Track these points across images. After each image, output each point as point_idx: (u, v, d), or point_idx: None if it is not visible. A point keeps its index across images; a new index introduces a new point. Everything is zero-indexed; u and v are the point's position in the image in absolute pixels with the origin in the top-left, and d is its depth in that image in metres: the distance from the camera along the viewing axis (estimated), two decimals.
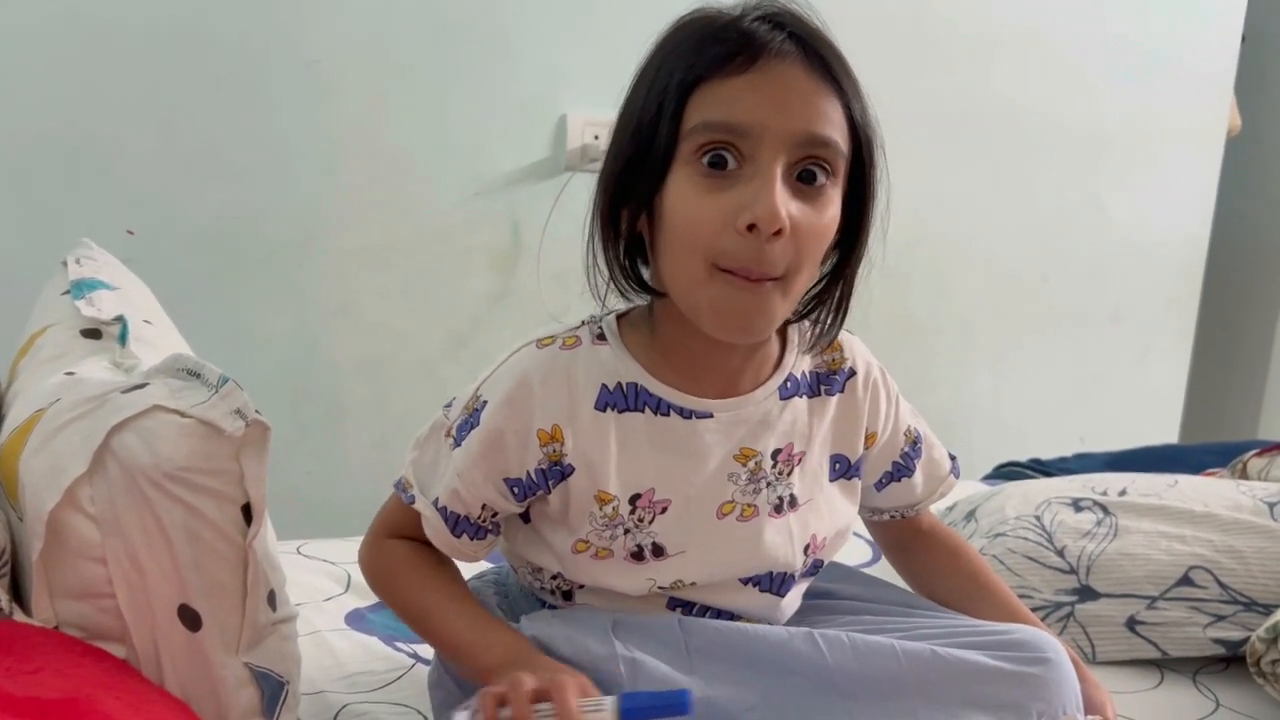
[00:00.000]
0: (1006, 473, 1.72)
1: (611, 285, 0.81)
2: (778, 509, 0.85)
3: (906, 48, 2.10)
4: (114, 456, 0.75)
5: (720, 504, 0.83)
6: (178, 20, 1.60)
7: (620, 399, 0.81)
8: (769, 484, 0.84)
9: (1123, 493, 1.27)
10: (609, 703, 0.71)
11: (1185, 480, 1.31)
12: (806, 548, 0.87)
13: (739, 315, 0.75)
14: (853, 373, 0.88)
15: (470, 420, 0.82)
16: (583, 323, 0.85)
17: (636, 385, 0.82)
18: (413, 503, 0.86)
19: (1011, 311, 2.35)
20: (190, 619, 0.77)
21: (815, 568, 0.91)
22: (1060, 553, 1.19)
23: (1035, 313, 2.38)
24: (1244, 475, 1.45)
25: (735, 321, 0.75)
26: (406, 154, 1.77)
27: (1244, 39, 2.47)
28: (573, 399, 0.81)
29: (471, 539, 0.85)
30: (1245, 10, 2.42)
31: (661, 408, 0.82)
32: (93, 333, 0.97)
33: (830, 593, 0.95)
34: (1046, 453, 1.88)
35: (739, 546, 0.84)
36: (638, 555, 0.83)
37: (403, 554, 0.88)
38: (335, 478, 1.80)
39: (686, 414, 0.82)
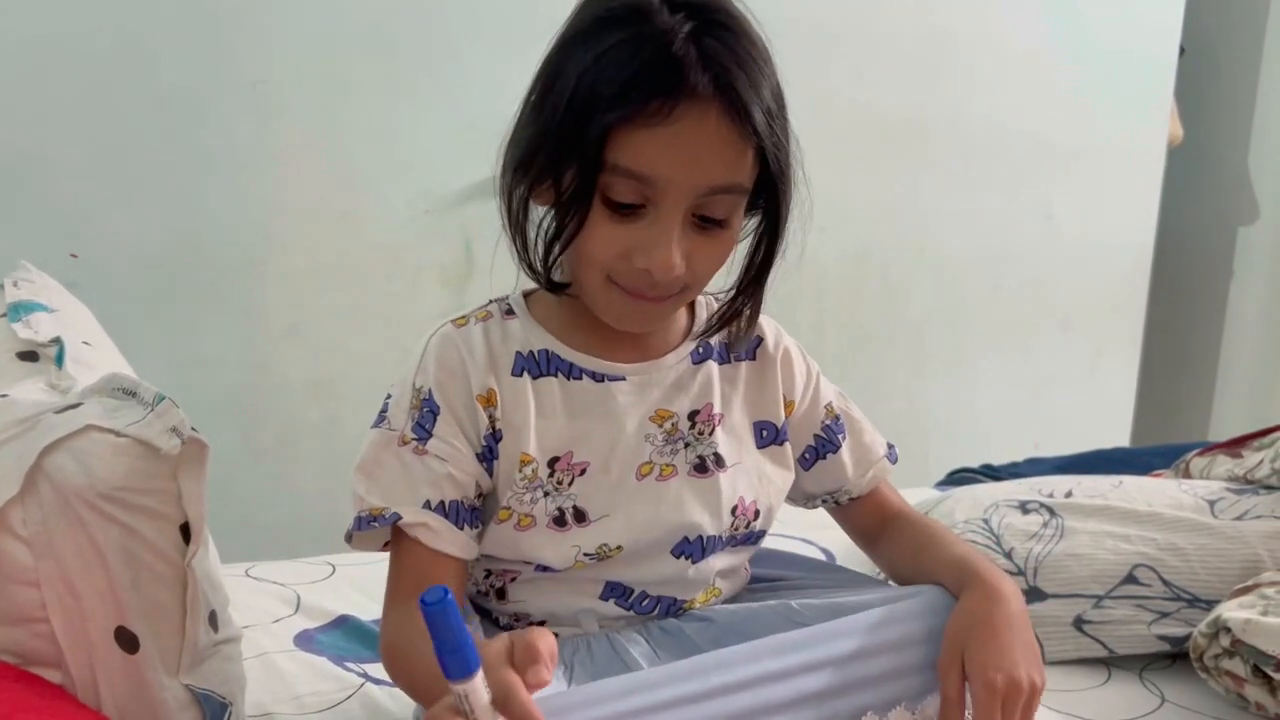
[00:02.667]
0: (959, 479, 1.73)
1: (520, 257, 0.82)
2: (699, 468, 0.86)
3: (855, 59, 2.13)
4: (47, 477, 0.74)
5: (639, 465, 0.84)
6: (121, 39, 1.59)
7: (533, 365, 0.83)
8: (687, 444, 0.86)
9: (1069, 494, 1.29)
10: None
11: (1130, 481, 1.33)
12: (734, 509, 0.87)
13: (635, 319, 0.81)
14: (759, 340, 0.91)
15: (427, 410, 0.81)
16: (490, 301, 0.88)
17: (548, 352, 0.84)
18: (396, 521, 0.78)
19: (964, 320, 2.38)
20: (128, 641, 0.76)
21: (748, 539, 0.90)
22: (1008, 555, 1.21)
23: (987, 321, 2.41)
24: (1187, 475, 1.47)
25: (631, 323, 0.82)
26: (356, 173, 1.77)
27: (1182, 51, 2.53)
28: (495, 365, 0.83)
29: (471, 527, 0.81)
30: (1182, 23, 2.48)
31: (574, 372, 0.84)
32: (29, 355, 0.96)
33: (782, 579, 0.96)
34: (1002, 459, 1.90)
35: (659, 506, 0.85)
36: (559, 520, 0.83)
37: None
38: (287, 500, 1.79)
39: (599, 377, 0.84)
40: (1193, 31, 2.56)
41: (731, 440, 0.88)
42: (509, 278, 0.86)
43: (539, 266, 0.81)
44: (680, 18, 0.73)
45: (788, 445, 0.92)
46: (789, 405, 0.92)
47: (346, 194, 1.77)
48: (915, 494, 1.51)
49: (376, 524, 0.79)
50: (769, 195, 0.79)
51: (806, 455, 0.95)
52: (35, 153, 1.57)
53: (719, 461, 0.87)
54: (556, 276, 0.82)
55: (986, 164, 2.32)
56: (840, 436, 0.95)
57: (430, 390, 0.82)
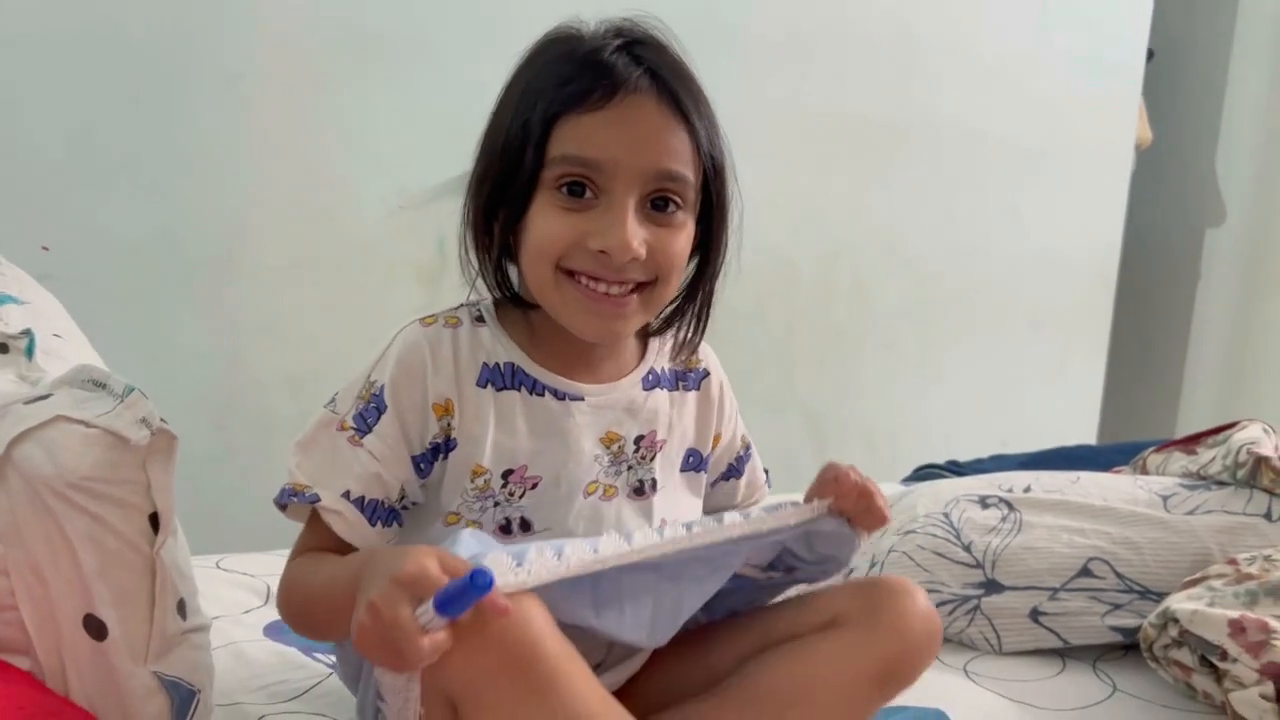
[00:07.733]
0: (924, 474, 1.76)
1: (482, 279, 0.86)
2: (638, 492, 0.90)
3: (825, 62, 2.15)
4: (15, 468, 0.75)
5: (587, 483, 0.87)
6: (95, 31, 1.58)
7: (499, 377, 0.85)
8: (630, 467, 0.90)
9: (1027, 489, 1.31)
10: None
11: (1087, 477, 1.36)
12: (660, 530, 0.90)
13: (594, 320, 0.82)
14: (707, 373, 0.96)
15: (374, 405, 0.82)
16: (461, 305, 0.89)
17: (514, 365, 0.86)
18: (314, 502, 0.80)
19: (933, 319, 2.41)
20: (96, 628, 0.77)
21: None
22: (967, 548, 1.23)
23: (957, 320, 2.44)
24: (1144, 471, 1.50)
25: (591, 326, 0.82)
26: (330, 168, 1.77)
27: (1151, 54, 2.57)
28: (459, 374, 0.84)
29: (385, 526, 0.83)
30: (1151, 26, 2.52)
31: (537, 388, 0.86)
32: None
33: None
34: (969, 456, 1.93)
35: (601, 524, 0.88)
36: (505, 529, 0.85)
37: (310, 556, 0.82)
38: (260, 494, 1.78)
39: (560, 395, 0.86)
40: (1161, 35, 2.60)
41: (665, 465, 0.92)
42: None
43: (494, 278, 0.85)
44: (609, 34, 0.81)
45: (703, 475, 0.96)
46: (716, 438, 0.97)
47: (321, 189, 1.77)
48: (882, 489, 1.53)
49: (297, 499, 0.81)
50: (705, 199, 0.84)
51: (716, 481, 1.00)
52: (8, 144, 1.57)
53: (654, 486, 0.91)
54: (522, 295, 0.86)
55: (957, 166, 2.35)
56: (745, 465, 1.01)
57: (383, 387, 0.83)
